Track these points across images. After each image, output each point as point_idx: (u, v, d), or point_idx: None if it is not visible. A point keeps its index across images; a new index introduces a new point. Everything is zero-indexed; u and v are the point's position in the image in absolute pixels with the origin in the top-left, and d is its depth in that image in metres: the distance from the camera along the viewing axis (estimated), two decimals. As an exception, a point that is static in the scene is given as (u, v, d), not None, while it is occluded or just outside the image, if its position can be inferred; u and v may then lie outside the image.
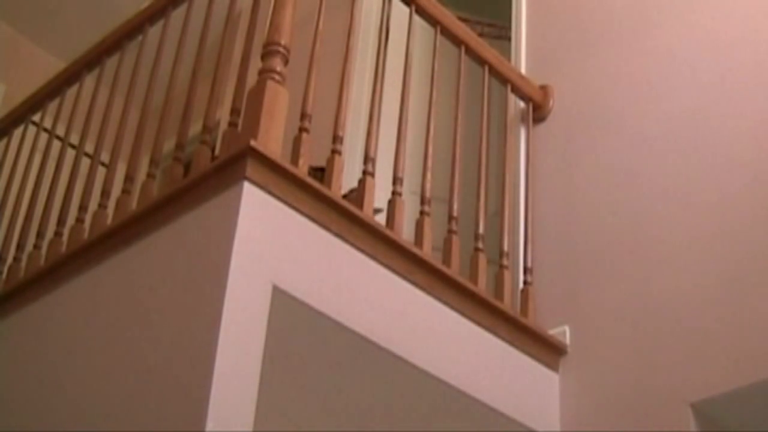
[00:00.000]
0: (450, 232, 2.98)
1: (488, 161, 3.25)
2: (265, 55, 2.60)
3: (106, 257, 2.71)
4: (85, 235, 2.95)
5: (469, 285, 2.87)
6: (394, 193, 2.83)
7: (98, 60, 3.45)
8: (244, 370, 2.23)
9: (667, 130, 3.16)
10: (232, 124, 2.62)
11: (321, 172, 2.67)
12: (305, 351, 2.39)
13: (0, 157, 3.71)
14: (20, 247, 3.28)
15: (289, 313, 2.37)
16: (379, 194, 2.81)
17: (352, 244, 2.59)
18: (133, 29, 3.33)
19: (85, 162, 3.22)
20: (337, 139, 2.71)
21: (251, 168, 2.41)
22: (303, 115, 2.65)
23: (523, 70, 3.67)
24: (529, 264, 3.22)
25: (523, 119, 3.57)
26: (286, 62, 2.60)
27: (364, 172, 2.78)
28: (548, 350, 3.03)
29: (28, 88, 3.83)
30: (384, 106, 2.93)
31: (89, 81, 3.47)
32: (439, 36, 3.24)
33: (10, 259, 3.27)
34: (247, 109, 2.55)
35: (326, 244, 2.54)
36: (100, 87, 3.34)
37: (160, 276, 2.51)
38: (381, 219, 2.74)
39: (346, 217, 2.59)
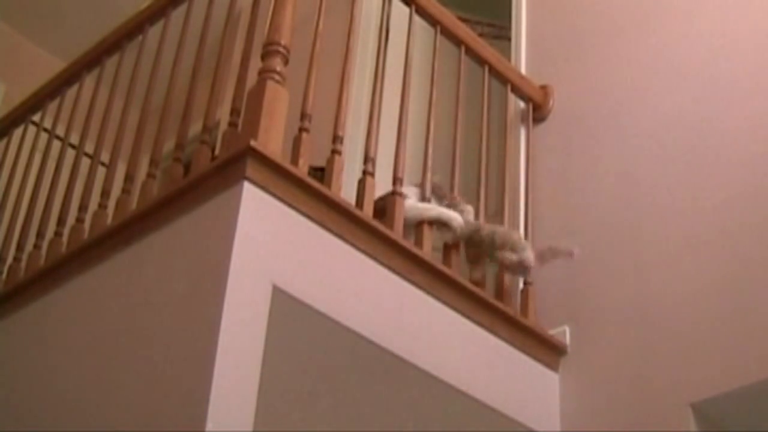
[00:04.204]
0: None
1: (488, 161, 3.25)
2: (265, 55, 2.60)
3: (106, 257, 2.71)
4: (85, 235, 2.94)
5: (469, 285, 2.87)
6: (394, 192, 2.83)
7: (98, 60, 3.45)
8: (244, 370, 2.23)
9: (667, 130, 3.16)
10: (232, 124, 2.62)
11: (321, 172, 2.67)
12: (305, 351, 2.38)
13: (0, 157, 3.71)
14: (20, 247, 3.28)
15: (289, 313, 2.37)
16: (379, 194, 2.81)
17: (352, 244, 2.59)
18: (133, 29, 3.33)
19: (85, 162, 3.22)
20: (337, 139, 2.71)
21: (251, 168, 2.41)
22: (303, 115, 2.65)
23: (523, 70, 3.67)
24: (530, 264, 3.22)
25: (523, 119, 3.57)
26: (286, 62, 2.60)
27: (364, 172, 2.78)
28: (548, 350, 3.03)
29: (28, 88, 3.83)
30: (384, 106, 2.93)
31: (89, 81, 3.47)
32: (439, 36, 3.24)
33: (10, 259, 3.27)
34: (247, 109, 2.55)
35: (326, 244, 2.54)
36: (100, 87, 3.34)
37: (160, 276, 2.51)
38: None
39: (346, 217, 2.59)
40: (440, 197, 2.99)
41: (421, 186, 2.97)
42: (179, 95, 2.89)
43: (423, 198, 2.95)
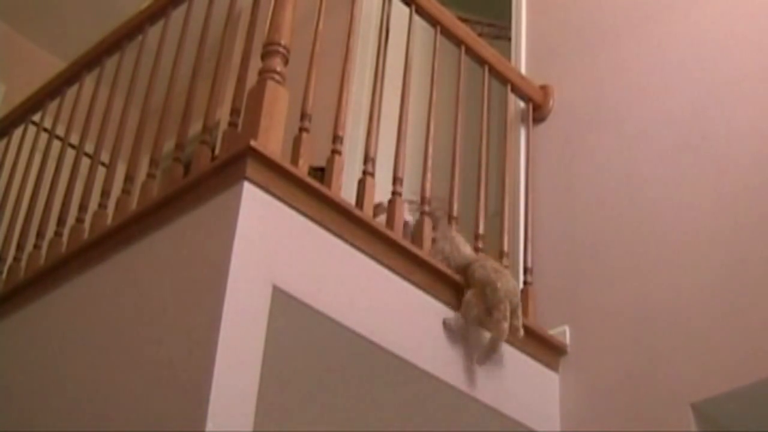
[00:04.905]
0: (450, 232, 2.98)
1: (488, 161, 3.25)
2: (265, 55, 2.60)
3: (106, 257, 2.71)
4: (85, 235, 2.95)
5: (469, 285, 2.87)
6: (394, 193, 2.83)
7: (98, 60, 3.45)
8: (244, 370, 2.23)
9: (667, 130, 3.16)
10: (232, 124, 2.62)
11: (321, 172, 2.67)
12: (305, 351, 2.38)
13: (0, 157, 3.71)
14: (20, 247, 3.28)
15: (289, 313, 2.37)
16: (379, 194, 2.81)
17: (352, 244, 2.59)
18: (133, 29, 3.33)
19: (85, 162, 3.22)
20: (337, 139, 2.71)
21: (251, 168, 2.41)
22: (303, 115, 2.65)
23: (523, 70, 3.67)
24: (529, 264, 3.22)
25: (523, 119, 3.57)
26: (286, 62, 2.60)
27: (364, 172, 2.78)
28: (548, 350, 3.03)
29: (28, 88, 3.83)
30: (384, 106, 2.93)
31: (89, 81, 3.47)
32: (439, 36, 3.24)
33: (10, 259, 3.27)
34: (247, 109, 2.55)
35: (326, 244, 2.54)
36: (100, 87, 3.34)
37: (160, 276, 2.51)
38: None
39: (346, 217, 2.59)
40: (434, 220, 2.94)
41: (421, 209, 2.93)
42: (179, 95, 2.89)
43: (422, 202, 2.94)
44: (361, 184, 2.76)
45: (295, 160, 2.56)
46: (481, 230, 3.08)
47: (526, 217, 3.33)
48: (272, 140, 2.47)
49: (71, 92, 3.52)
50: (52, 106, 3.61)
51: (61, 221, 3.11)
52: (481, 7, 4.65)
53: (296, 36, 2.66)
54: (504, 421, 2.78)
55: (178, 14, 3.13)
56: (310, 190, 2.52)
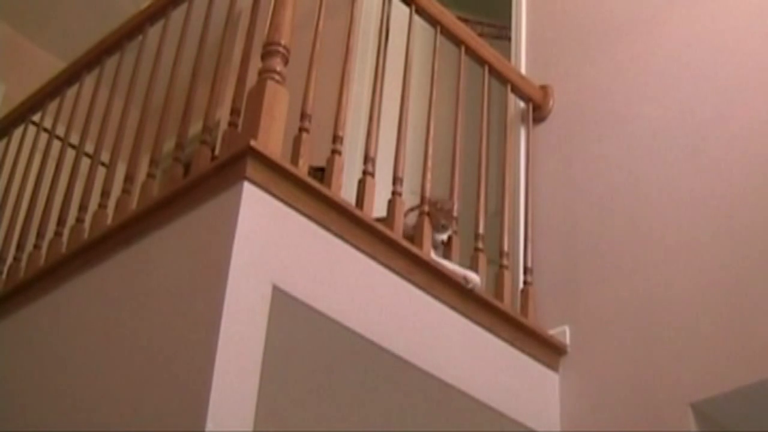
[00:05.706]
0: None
1: (488, 161, 3.25)
2: (265, 55, 2.60)
3: (106, 257, 2.71)
4: (85, 235, 2.95)
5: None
6: (394, 193, 2.83)
7: (98, 60, 3.45)
8: (244, 370, 2.23)
9: (667, 130, 3.16)
10: (232, 124, 2.62)
11: (321, 172, 2.67)
12: (305, 351, 2.38)
13: (0, 157, 3.72)
14: (20, 247, 3.28)
15: (289, 313, 2.37)
16: (379, 194, 2.81)
17: (352, 244, 2.59)
18: (133, 29, 3.33)
19: (85, 162, 3.22)
20: (337, 139, 2.71)
21: (251, 168, 2.41)
22: (303, 115, 2.66)
23: (523, 70, 3.67)
24: (529, 264, 3.22)
25: (523, 119, 3.57)
26: (286, 62, 2.60)
27: (364, 172, 2.78)
28: (548, 350, 3.03)
29: (28, 88, 3.83)
30: (384, 106, 2.93)
31: (89, 81, 3.47)
32: (439, 36, 3.24)
33: (10, 259, 3.27)
34: (247, 109, 2.55)
35: (326, 244, 2.54)
36: (100, 87, 3.34)
37: (160, 276, 2.51)
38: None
39: (346, 217, 2.59)
40: (443, 224, 2.95)
41: (421, 209, 2.93)
42: (179, 95, 2.89)
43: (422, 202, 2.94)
44: (361, 184, 2.76)
45: (295, 160, 2.56)
46: (481, 230, 3.08)
47: (526, 217, 3.33)
48: (272, 140, 2.47)
49: (71, 92, 3.52)
50: (52, 106, 3.61)
51: (61, 221, 3.11)
52: (481, 7, 4.65)
53: (296, 36, 2.66)
54: (504, 421, 2.78)
55: (178, 14, 3.13)
56: (310, 190, 2.52)
